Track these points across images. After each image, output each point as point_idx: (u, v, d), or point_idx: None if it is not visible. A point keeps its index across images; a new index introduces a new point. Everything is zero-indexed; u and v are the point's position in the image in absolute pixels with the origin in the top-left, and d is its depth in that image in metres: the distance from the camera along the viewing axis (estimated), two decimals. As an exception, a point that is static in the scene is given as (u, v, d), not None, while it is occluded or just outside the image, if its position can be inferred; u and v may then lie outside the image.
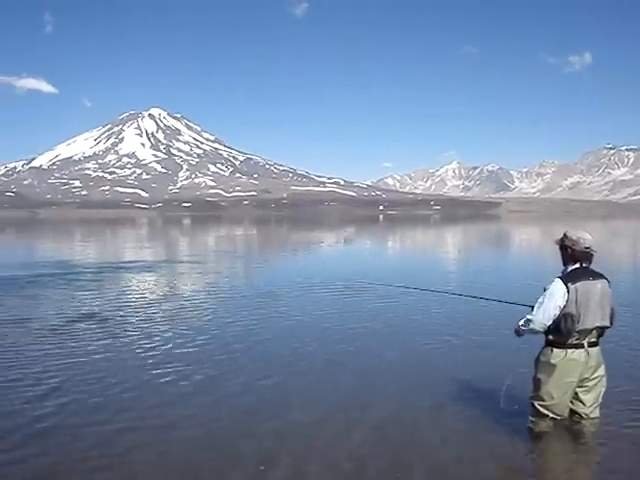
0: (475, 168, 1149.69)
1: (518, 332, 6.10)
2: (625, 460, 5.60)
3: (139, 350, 9.80)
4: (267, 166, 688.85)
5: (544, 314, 5.73)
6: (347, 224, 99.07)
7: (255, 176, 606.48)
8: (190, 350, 9.77)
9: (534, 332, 5.89)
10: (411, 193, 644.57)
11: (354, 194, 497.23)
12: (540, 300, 5.78)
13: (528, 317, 5.86)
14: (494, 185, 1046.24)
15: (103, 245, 47.52)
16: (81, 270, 23.01)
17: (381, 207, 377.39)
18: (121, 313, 13.29)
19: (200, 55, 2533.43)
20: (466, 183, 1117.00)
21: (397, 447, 5.88)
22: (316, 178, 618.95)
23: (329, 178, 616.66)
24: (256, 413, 6.83)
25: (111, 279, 20.35)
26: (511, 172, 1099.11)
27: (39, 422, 6.55)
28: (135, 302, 15.12)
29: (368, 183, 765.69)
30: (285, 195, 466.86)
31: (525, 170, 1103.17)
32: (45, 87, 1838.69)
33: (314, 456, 5.70)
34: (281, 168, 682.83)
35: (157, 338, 10.68)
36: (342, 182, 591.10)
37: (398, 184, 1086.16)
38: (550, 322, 5.74)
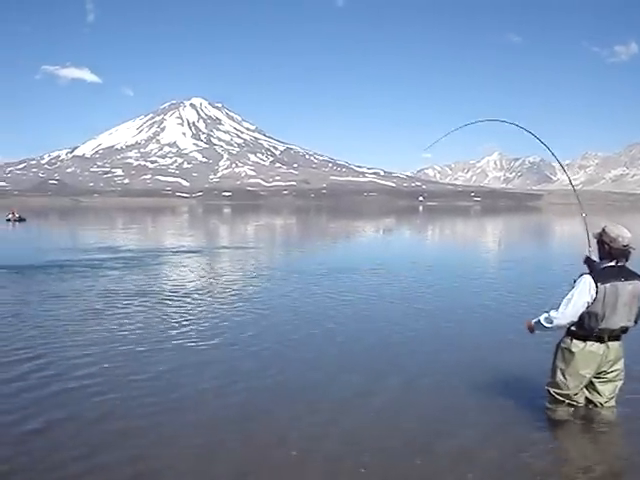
0: (516, 159, 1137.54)
1: (532, 328, 6.12)
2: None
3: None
4: (307, 156, 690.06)
5: (573, 310, 5.66)
6: (386, 214, 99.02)
7: (295, 166, 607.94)
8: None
9: (557, 328, 5.87)
10: (451, 184, 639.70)
11: (394, 185, 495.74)
12: (568, 297, 5.69)
13: (553, 314, 5.78)
14: (536, 177, 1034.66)
15: (154, 232, 48.69)
16: (142, 255, 23.80)
17: (421, 198, 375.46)
18: (186, 291, 13.85)
19: (241, 45, 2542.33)
20: (507, 175, 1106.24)
21: (412, 425, 6.02)
22: (356, 168, 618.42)
23: (369, 168, 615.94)
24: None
25: (168, 263, 21.36)
26: (553, 164, 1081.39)
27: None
28: (193, 281, 15.60)
29: (408, 174, 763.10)
30: (324, 185, 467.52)
31: (567, 162, 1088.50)
32: (88, 76, 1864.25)
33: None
34: (321, 158, 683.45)
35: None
36: (382, 172, 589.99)
37: (438, 175, 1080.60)
38: (576, 318, 5.69)
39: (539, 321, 5.93)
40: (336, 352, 8.86)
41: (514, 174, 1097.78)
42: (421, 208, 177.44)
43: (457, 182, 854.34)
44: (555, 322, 5.76)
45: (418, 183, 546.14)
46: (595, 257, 5.90)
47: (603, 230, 5.76)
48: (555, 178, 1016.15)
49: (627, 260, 5.75)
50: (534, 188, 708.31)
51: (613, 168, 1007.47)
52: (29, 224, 51.80)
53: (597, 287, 5.55)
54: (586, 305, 5.61)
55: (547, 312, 5.85)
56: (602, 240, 5.75)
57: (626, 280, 5.65)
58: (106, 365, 7.94)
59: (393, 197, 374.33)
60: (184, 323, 10.65)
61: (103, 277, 16.87)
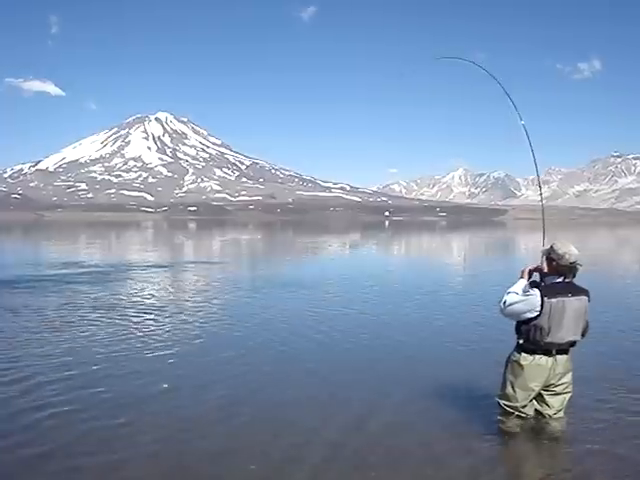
0: (481, 175, 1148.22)
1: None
2: (590, 459, 5.67)
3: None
4: (273, 171, 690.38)
5: (510, 311, 5.90)
6: (353, 229, 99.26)
7: (261, 181, 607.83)
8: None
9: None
10: (417, 199, 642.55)
11: (360, 200, 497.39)
12: (519, 299, 5.84)
13: (509, 299, 5.89)
14: (500, 192, 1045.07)
15: (119, 247, 48.11)
16: (108, 270, 23.57)
17: (387, 213, 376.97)
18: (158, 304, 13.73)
19: (207, 60, 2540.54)
20: (472, 190, 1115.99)
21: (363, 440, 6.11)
22: (322, 183, 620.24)
23: (335, 183, 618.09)
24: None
25: (134, 278, 20.84)
26: (517, 179, 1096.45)
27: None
28: (155, 297, 15.51)
29: (374, 189, 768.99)
30: (291, 200, 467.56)
31: (532, 177, 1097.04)
32: (52, 90, 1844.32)
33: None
34: (287, 173, 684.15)
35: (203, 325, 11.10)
36: (348, 188, 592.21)
37: (404, 190, 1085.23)
38: (511, 319, 6.01)
39: (508, 292, 5.99)
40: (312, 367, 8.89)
41: (479, 189, 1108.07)
42: (387, 223, 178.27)
43: (423, 197, 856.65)
44: (500, 305, 5.96)
45: (384, 198, 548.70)
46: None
47: (551, 247, 5.88)
48: (519, 193, 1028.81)
49: (574, 276, 5.91)
50: (499, 203, 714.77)
51: (576, 183, 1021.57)
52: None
53: (543, 302, 5.69)
54: (526, 317, 5.80)
55: (515, 294, 5.90)
56: (550, 257, 5.90)
57: (573, 296, 5.82)
58: (86, 389, 7.64)
59: (359, 212, 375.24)
60: (161, 341, 10.46)
61: (69, 292, 16.68)
